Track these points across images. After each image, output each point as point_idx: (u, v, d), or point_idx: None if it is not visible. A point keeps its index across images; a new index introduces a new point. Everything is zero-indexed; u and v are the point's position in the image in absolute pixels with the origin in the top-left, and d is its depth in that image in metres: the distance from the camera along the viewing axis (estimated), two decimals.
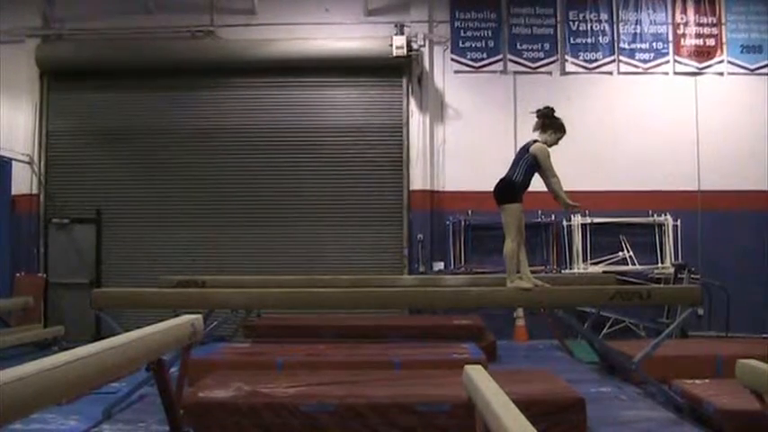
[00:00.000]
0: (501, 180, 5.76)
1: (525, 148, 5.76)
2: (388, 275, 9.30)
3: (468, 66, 10.56)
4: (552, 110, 5.84)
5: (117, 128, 10.61)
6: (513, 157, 5.86)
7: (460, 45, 10.57)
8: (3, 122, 10.29)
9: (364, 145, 10.51)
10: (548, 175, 5.68)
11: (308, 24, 10.46)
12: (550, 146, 5.75)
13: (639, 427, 4.89)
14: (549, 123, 5.78)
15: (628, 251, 10.06)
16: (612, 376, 6.58)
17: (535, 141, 5.77)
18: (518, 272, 5.70)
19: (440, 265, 10.19)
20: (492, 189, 5.78)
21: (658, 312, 9.40)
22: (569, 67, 10.54)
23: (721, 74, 10.48)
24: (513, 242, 5.61)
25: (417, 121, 10.41)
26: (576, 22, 10.59)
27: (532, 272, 6.08)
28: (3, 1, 10.26)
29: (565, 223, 10.18)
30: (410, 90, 10.48)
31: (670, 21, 10.57)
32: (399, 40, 9.95)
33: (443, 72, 10.54)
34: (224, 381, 5.00)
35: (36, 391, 2.17)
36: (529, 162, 5.68)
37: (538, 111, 5.88)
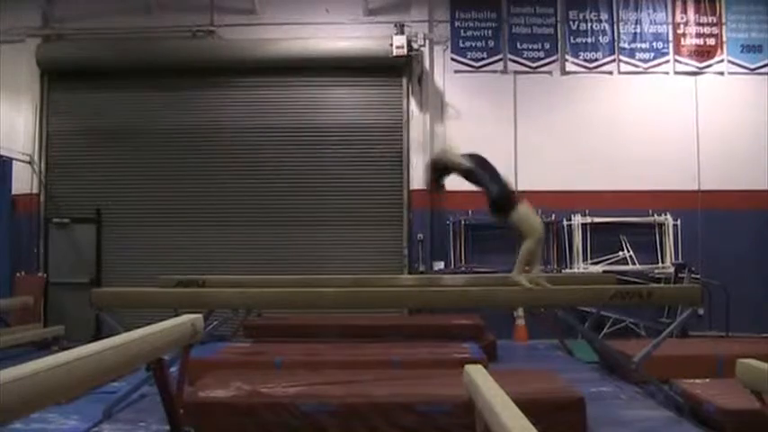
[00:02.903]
0: (491, 202, 5.74)
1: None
2: (389, 275, 9.28)
3: (468, 65, 10.56)
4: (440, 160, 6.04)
5: (117, 128, 10.61)
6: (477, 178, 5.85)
7: (461, 45, 10.57)
8: (3, 122, 10.29)
9: (364, 144, 10.50)
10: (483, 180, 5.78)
11: (308, 24, 10.46)
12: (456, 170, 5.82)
13: (639, 426, 4.88)
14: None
15: (628, 251, 10.05)
16: (612, 376, 6.57)
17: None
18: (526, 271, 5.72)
19: (440, 265, 10.19)
20: None
21: (659, 312, 9.41)
22: (569, 67, 10.54)
23: (721, 73, 10.47)
24: (533, 242, 5.61)
25: (417, 121, 10.40)
26: (577, 22, 10.59)
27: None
28: (3, 1, 10.26)
29: (565, 223, 10.17)
30: (410, 90, 10.48)
31: (670, 20, 10.56)
32: (399, 40, 9.95)
33: (443, 72, 10.53)
34: (224, 380, 5.00)
35: (36, 391, 2.16)
36: (483, 169, 5.73)
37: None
